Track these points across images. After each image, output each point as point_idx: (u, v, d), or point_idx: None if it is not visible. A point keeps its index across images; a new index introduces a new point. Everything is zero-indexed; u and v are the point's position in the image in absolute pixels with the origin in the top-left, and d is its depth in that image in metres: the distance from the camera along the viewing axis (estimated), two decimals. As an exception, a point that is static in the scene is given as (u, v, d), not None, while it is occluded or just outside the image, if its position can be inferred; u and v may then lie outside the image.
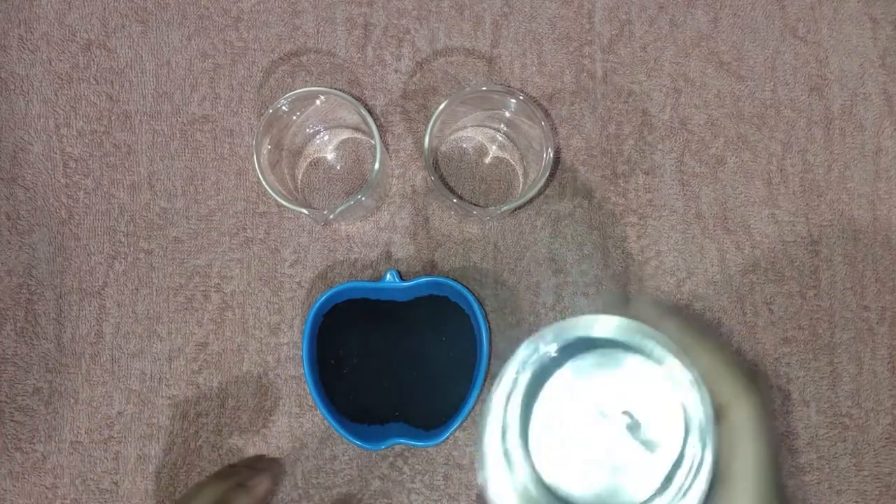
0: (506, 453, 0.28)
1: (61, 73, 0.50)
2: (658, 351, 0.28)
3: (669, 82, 0.49)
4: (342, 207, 0.42)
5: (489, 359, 0.45)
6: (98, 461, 0.47)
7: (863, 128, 0.49)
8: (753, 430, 0.31)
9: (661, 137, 0.49)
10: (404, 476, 0.47)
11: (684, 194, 0.48)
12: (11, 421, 0.48)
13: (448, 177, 0.49)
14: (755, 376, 0.38)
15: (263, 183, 0.42)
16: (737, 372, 0.32)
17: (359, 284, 0.45)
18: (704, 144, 0.49)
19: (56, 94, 0.50)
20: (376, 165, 0.42)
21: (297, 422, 0.47)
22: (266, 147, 0.43)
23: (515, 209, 0.47)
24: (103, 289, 0.48)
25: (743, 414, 0.31)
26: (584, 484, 0.28)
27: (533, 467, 0.28)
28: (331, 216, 0.42)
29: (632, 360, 0.28)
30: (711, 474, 0.27)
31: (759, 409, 0.31)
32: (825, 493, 0.46)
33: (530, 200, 0.48)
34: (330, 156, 0.49)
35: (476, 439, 0.31)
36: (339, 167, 0.49)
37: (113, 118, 0.50)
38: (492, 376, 0.47)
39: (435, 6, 0.50)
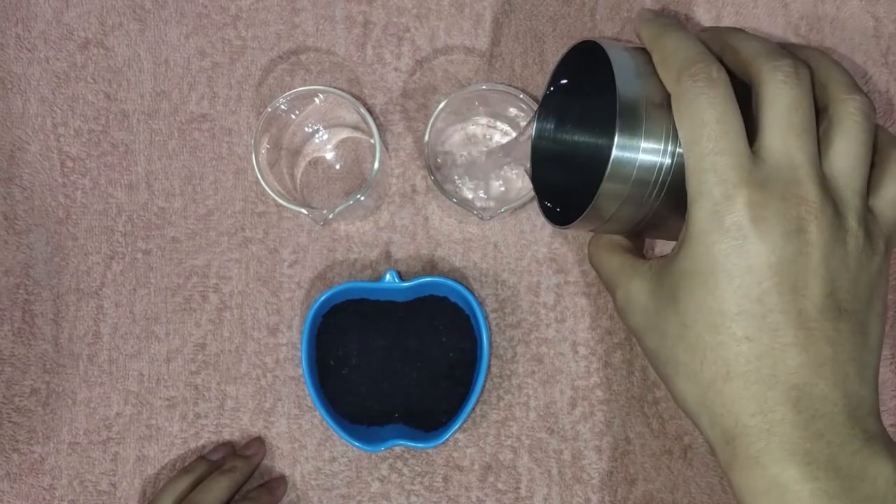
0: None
1: (59, 72, 0.50)
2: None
3: (671, 81, 0.49)
4: (341, 207, 0.41)
5: (489, 359, 0.45)
6: (96, 462, 0.47)
7: (866, 127, 0.49)
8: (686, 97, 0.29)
9: (663, 136, 0.49)
10: (404, 478, 0.46)
11: (686, 194, 0.48)
12: (9, 422, 0.47)
13: (448, 176, 0.48)
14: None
15: (262, 182, 0.42)
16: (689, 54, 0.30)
17: (358, 285, 0.45)
18: (706, 143, 0.49)
19: (53, 93, 0.50)
20: (376, 165, 0.42)
21: (296, 423, 0.47)
22: (265, 146, 0.43)
23: (516, 208, 0.47)
24: (101, 289, 0.48)
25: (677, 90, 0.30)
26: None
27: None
28: (330, 216, 0.42)
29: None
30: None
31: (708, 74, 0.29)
32: (828, 494, 0.46)
33: (531, 200, 0.47)
34: (329, 155, 0.49)
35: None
36: (338, 166, 0.49)
37: (110, 117, 0.49)
38: (492, 376, 0.47)
39: (435, 4, 0.49)
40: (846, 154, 0.29)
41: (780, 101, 0.28)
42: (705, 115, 0.28)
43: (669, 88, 0.30)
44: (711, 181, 0.28)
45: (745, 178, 0.28)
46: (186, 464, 0.46)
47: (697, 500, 0.46)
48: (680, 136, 0.30)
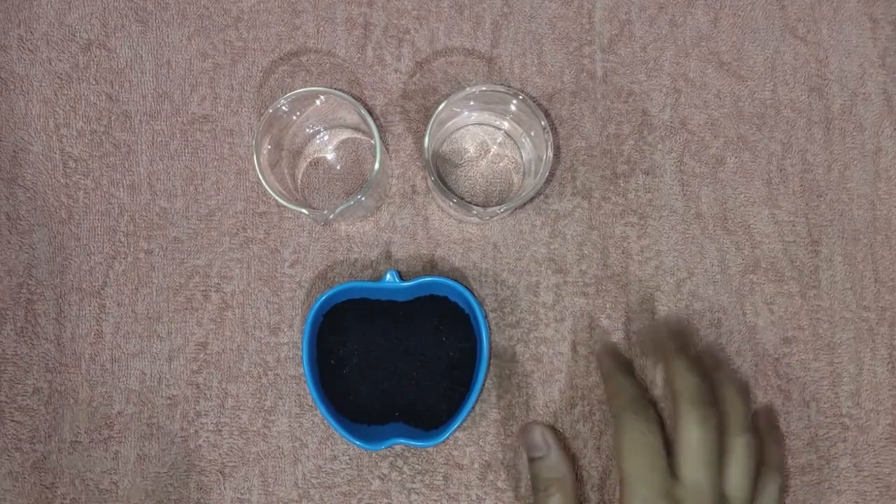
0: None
1: (61, 73, 0.50)
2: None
3: (669, 82, 0.49)
4: (342, 207, 0.42)
5: (489, 359, 0.45)
6: (98, 461, 0.47)
7: (862, 128, 0.49)
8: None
9: (661, 137, 0.49)
10: (404, 476, 0.47)
11: (684, 194, 0.48)
12: (11, 421, 0.48)
13: (448, 176, 0.49)
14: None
15: (263, 183, 0.42)
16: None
17: (358, 284, 0.45)
18: (704, 144, 0.49)
19: (56, 94, 0.50)
20: (376, 165, 0.42)
21: (297, 422, 0.47)
22: (266, 147, 0.43)
23: (515, 209, 0.47)
24: (103, 288, 0.49)
25: None
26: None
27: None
28: (331, 216, 0.42)
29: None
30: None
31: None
32: (825, 493, 0.46)
33: (530, 200, 0.48)
34: (330, 156, 0.49)
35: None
36: (338, 167, 0.49)
37: (113, 118, 0.50)
38: (492, 376, 0.47)
39: (435, 6, 0.50)
40: (740, 477, 0.39)
41: (693, 439, 0.38)
42: (641, 440, 0.39)
43: (614, 414, 0.41)
44: (643, 490, 0.38)
45: (665, 491, 0.38)
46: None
47: (695, 498, 0.46)
48: (618, 451, 0.39)
